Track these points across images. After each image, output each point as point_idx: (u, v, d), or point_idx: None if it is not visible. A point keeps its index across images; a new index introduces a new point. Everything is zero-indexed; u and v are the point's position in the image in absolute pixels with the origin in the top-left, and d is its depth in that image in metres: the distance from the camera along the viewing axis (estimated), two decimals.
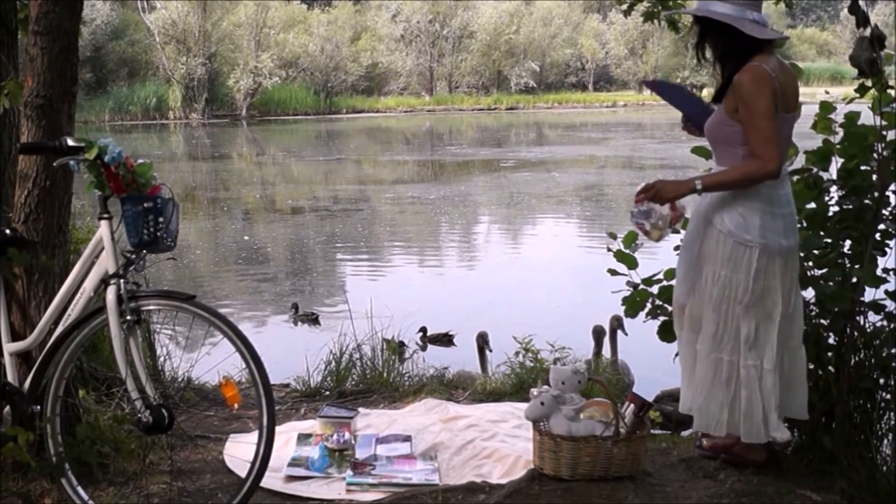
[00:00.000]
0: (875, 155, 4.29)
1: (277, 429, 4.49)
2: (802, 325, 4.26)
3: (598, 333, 6.95)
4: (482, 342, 6.92)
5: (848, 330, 4.33)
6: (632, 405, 4.52)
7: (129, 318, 3.90)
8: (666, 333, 4.71)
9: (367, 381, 6.28)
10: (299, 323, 10.29)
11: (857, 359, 4.35)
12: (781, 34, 4.26)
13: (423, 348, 8.33)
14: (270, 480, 4.32)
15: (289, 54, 49.86)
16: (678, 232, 4.43)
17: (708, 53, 4.26)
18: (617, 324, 6.76)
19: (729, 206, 4.11)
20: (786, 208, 4.13)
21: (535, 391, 4.56)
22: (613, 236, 4.84)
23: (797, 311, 4.21)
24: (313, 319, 10.30)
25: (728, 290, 4.13)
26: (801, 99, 4.15)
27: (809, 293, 4.38)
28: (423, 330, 8.89)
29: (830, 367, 4.36)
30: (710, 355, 4.21)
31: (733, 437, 4.32)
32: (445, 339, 8.83)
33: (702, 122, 4.31)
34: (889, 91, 4.28)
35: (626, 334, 6.70)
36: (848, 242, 4.40)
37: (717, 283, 4.15)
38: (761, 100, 3.95)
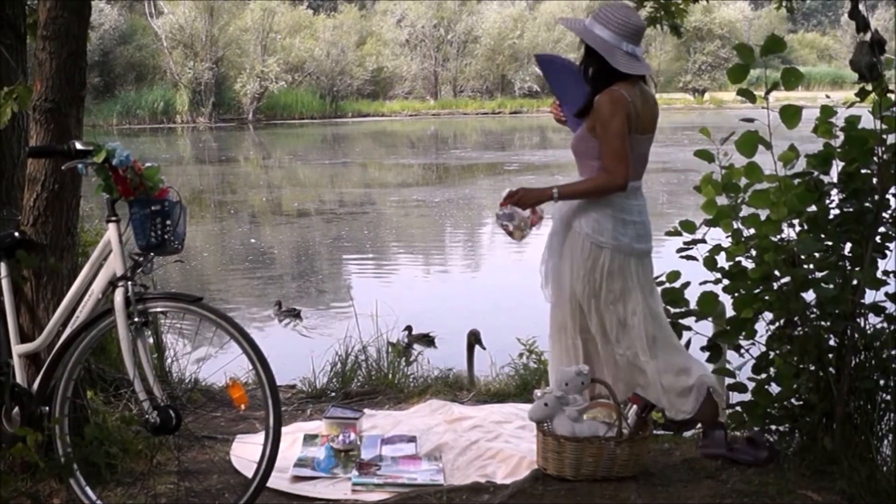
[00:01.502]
0: (875, 158, 4.29)
1: (284, 429, 4.48)
2: (670, 328, 4.67)
3: None
4: (473, 340, 6.72)
5: (848, 332, 4.34)
6: (634, 406, 4.55)
7: (136, 319, 3.91)
8: None
9: (373, 382, 6.32)
10: (283, 319, 10.44)
11: (857, 360, 4.36)
12: (648, 71, 4.69)
13: (409, 346, 8.36)
14: (277, 481, 4.34)
15: (295, 59, 49.86)
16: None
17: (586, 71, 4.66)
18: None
19: (586, 211, 4.54)
20: (637, 217, 4.57)
21: (538, 392, 4.59)
22: None
23: (660, 312, 4.65)
24: (296, 315, 10.47)
25: (587, 287, 4.55)
26: (801, 103, 4.24)
27: (810, 295, 4.39)
28: (409, 328, 8.96)
29: (831, 369, 4.36)
30: (574, 340, 4.69)
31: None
32: (426, 340, 8.83)
33: (572, 114, 4.77)
34: (889, 95, 4.28)
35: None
36: (848, 245, 4.40)
37: (578, 280, 4.56)
38: (615, 121, 4.40)
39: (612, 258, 4.51)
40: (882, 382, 4.35)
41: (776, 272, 4.42)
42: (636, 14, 4.69)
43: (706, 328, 4.67)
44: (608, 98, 4.42)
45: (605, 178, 4.45)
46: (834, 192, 4.45)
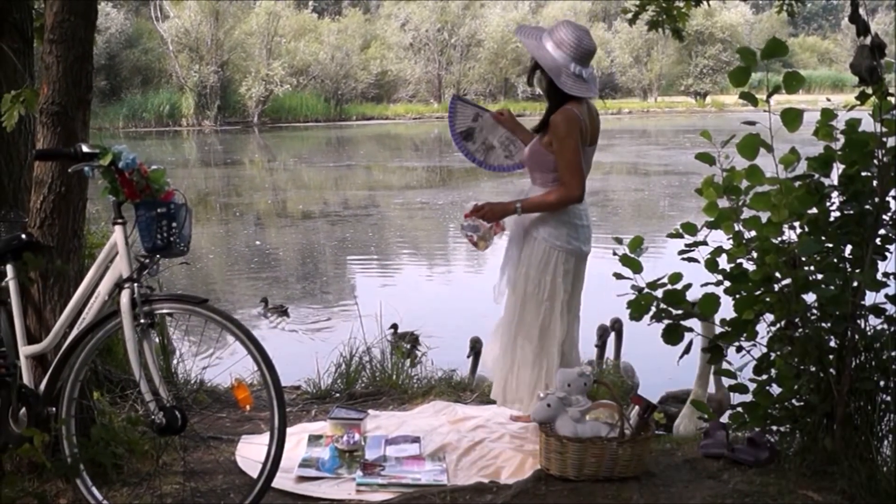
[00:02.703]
0: (875, 161, 4.30)
1: (288, 430, 4.53)
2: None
3: (602, 331, 7.00)
4: (476, 346, 6.85)
5: (848, 333, 4.34)
6: (637, 407, 4.58)
7: (142, 321, 3.92)
8: (670, 336, 4.73)
9: (377, 383, 6.34)
10: (270, 315, 10.57)
11: (857, 361, 4.37)
12: (594, 93, 4.96)
13: (395, 344, 8.41)
14: (282, 481, 4.37)
15: (300, 62, 49.87)
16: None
17: (536, 82, 5.04)
18: (618, 325, 6.82)
19: (543, 219, 4.93)
20: (586, 221, 5.03)
21: (541, 393, 4.62)
22: (619, 241, 4.88)
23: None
24: (283, 312, 10.58)
25: (539, 290, 4.93)
26: (802, 106, 4.27)
27: (811, 297, 4.40)
28: (395, 327, 9.00)
29: (831, 370, 4.37)
30: (521, 343, 5.02)
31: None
32: (411, 339, 8.82)
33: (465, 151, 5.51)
34: (889, 98, 4.29)
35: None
36: (849, 247, 4.40)
37: (531, 282, 4.94)
38: (571, 138, 4.78)
39: (567, 259, 4.94)
40: (882, 383, 4.36)
41: (777, 274, 4.42)
42: (589, 36, 4.90)
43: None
44: (563, 117, 4.79)
45: (564, 191, 4.84)
46: (834, 194, 4.45)
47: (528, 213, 4.95)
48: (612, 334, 7.07)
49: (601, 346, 7.06)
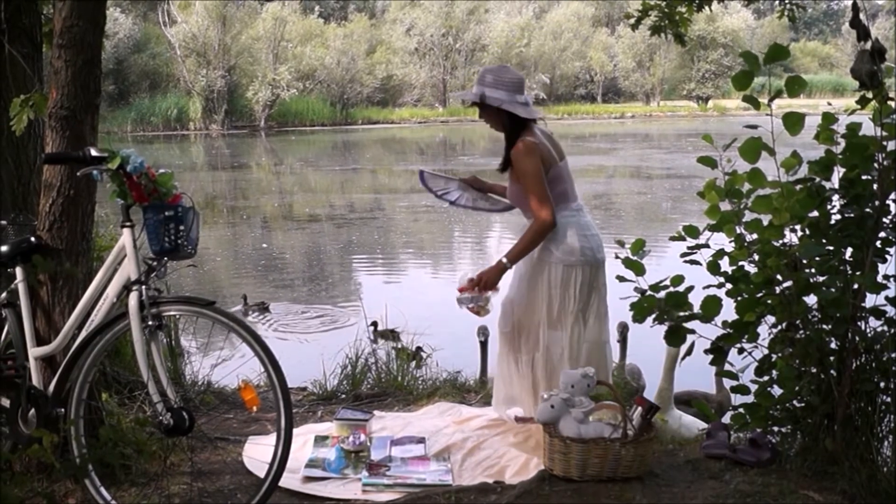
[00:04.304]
0: (876, 165, 4.31)
1: (295, 431, 4.51)
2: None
3: (623, 327, 7.02)
4: (484, 336, 6.89)
5: (849, 335, 4.35)
6: (639, 408, 4.61)
7: (150, 323, 3.94)
8: (673, 338, 4.76)
9: (382, 384, 6.38)
10: (250, 312, 10.66)
11: (858, 363, 4.38)
12: (540, 114, 5.23)
13: (374, 342, 8.46)
14: (288, 481, 4.40)
15: (306, 67, 49.96)
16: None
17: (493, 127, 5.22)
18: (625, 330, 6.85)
19: (552, 243, 5.02)
20: (593, 230, 5.15)
21: (545, 394, 4.65)
22: (621, 244, 4.90)
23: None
24: (264, 308, 10.74)
25: (562, 306, 5.03)
26: (803, 111, 4.28)
27: (812, 299, 4.41)
28: (374, 324, 9.08)
29: (832, 371, 4.38)
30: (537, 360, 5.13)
31: None
32: (392, 336, 8.86)
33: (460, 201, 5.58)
34: (889, 103, 4.29)
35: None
36: (849, 250, 4.40)
37: (556, 301, 5.03)
38: (532, 167, 4.94)
39: (584, 272, 5.03)
40: (882, 385, 4.36)
41: (778, 276, 4.44)
42: (513, 70, 5.26)
43: (709, 331, 4.71)
44: (521, 148, 4.97)
45: (538, 224, 4.94)
46: (835, 197, 4.45)
47: (519, 257, 5.03)
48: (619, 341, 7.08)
49: (622, 342, 7.07)
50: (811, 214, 4.44)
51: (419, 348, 7.61)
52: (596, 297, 5.09)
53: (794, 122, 4.24)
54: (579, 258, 5.01)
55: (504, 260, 4.99)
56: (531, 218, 5.02)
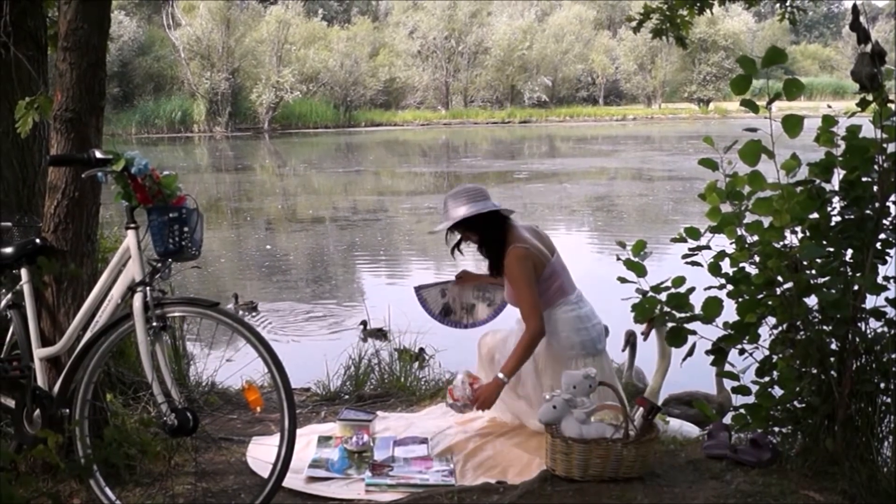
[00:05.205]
0: (876, 167, 4.32)
1: (298, 431, 4.55)
2: None
3: (630, 335, 7.01)
4: (632, 339, 6.77)
5: (849, 336, 4.37)
6: (641, 408, 4.63)
7: (154, 324, 3.94)
8: (674, 339, 4.79)
9: (385, 385, 6.39)
10: (240, 311, 10.67)
11: (858, 364, 4.39)
12: (512, 211, 5.24)
13: (364, 340, 8.48)
14: (292, 481, 4.42)
15: (309, 69, 50.05)
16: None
17: (464, 247, 5.39)
18: (633, 339, 6.83)
19: (553, 335, 5.07)
20: (594, 320, 5.19)
21: (547, 395, 4.66)
22: (623, 245, 4.93)
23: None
24: (253, 308, 10.84)
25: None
26: (804, 113, 4.32)
27: (812, 300, 4.42)
28: (364, 323, 9.07)
29: (833, 372, 4.39)
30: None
31: None
32: (381, 335, 8.87)
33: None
34: (889, 105, 4.30)
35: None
36: (849, 251, 4.41)
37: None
38: (523, 276, 4.99)
39: (586, 364, 5.02)
40: (882, 385, 4.37)
41: (779, 278, 4.45)
42: (471, 184, 5.31)
43: (710, 332, 4.73)
44: (513, 257, 5.02)
45: (528, 334, 4.97)
46: (835, 199, 4.45)
47: (515, 370, 5.03)
48: (628, 348, 7.07)
49: (631, 347, 7.05)
50: (811, 216, 4.45)
51: (422, 349, 7.62)
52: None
53: (792, 124, 4.26)
54: (579, 351, 5.08)
55: (501, 376, 4.98)
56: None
